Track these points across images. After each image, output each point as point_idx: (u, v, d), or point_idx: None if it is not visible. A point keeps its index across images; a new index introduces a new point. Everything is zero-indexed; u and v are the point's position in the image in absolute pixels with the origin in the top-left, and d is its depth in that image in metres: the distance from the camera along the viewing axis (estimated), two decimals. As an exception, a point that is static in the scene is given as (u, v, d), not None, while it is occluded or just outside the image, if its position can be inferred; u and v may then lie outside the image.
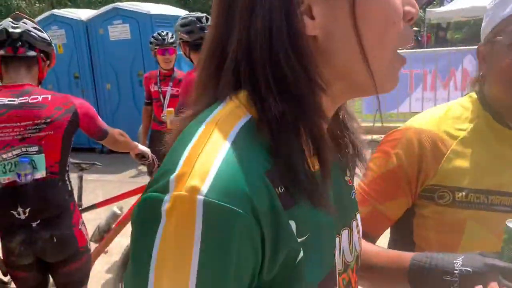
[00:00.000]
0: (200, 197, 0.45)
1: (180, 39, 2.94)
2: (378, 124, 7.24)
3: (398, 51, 0.59)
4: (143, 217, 0.48)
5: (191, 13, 3.20)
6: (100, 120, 2.18)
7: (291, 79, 0.53)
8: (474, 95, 1.02)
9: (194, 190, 0.45)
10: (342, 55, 0.56)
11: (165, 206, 0.46)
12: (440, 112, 1.01)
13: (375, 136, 6.94)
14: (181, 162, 0.48)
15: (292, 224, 0.52)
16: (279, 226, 0.49)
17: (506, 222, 0.75)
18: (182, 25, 2.91)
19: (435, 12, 14.46)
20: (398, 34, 0.56)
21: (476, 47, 1.01)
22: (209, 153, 0.48)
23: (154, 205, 0.46)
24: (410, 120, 1.05)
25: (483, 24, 0.98)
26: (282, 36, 0.53)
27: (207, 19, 2.93)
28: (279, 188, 0.51)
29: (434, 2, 18.02)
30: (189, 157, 0.48)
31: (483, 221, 0.91)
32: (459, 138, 0.96)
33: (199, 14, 2.97)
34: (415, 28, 16.96)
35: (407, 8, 0.57)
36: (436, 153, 0.95)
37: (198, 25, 2.86)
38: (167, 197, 0.46)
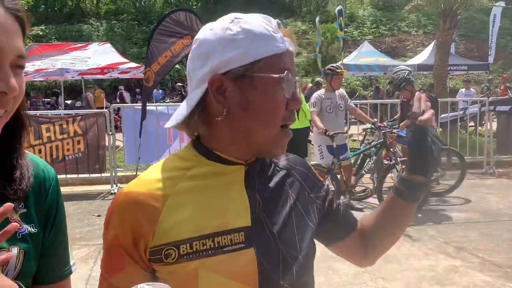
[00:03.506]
0: None
1: None
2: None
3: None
4: None
5: None
6: None
7: None
8: (190, 144, 0.99)
9: None
10: None
11: None
12: (155, 169, 0.96)
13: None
14: None
15: None
16: None
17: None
18: None
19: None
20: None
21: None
22: None
23: None
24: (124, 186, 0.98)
25: (226, 56, 0.87)
26: None
27: None
28: None
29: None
30: None
31: (213, 267, 0.87)
32: (176, 189, 0.91)
33: None
34: (179, 84, 18.36)
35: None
36: (150, 214, 0.89)
37: None
38: None
